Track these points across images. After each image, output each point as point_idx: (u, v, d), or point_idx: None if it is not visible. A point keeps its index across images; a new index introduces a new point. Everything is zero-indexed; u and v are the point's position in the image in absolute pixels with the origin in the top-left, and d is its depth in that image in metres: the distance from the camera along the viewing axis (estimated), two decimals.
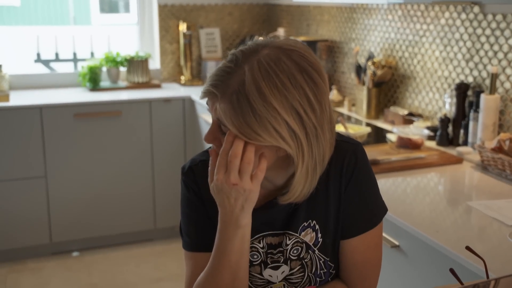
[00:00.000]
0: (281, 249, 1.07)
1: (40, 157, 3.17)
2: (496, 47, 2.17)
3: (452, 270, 0.91)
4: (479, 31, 2.25)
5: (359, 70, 2.86)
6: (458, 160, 2.09)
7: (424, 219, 1.59)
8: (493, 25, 2.18)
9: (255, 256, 1.08)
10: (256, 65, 0.91)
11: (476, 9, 2.25)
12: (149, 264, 3.23)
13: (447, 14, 2.41)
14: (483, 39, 2.23)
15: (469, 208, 1.68)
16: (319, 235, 1.07)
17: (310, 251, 1.07)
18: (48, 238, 3.28)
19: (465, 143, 2.23)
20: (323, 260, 1.08)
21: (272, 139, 0.92)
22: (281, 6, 3.83)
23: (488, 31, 2.21)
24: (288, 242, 1.07)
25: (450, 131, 2.30)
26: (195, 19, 3.85)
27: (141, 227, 3.47)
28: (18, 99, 3.23)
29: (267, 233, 1.08)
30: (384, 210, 1.13)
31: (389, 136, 2.42)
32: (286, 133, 0.92)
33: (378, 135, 2.53)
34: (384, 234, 1.64)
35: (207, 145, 3.33)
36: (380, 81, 2.76)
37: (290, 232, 1.07)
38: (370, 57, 2.81)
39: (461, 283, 0.89)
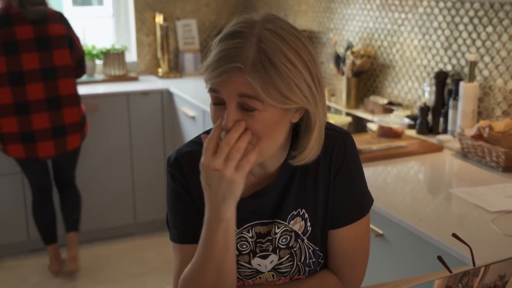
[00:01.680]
0: (269, 238, 1.06)
1: None
2: (474, 35, 2.19)
3: (440, 258, 0.91)
4: (457, 19, 2.26)
5: (338, 60, 2.86)
6: (439, 148, 2.10)
7: (407, 207, 1.59)
8: (471, 13, 2.19)
9: (244, 246, 1.07)
10: (266, 33, 0.91)
11: None
12: (130, 259, 3.20)
13: (425, 3, 2.41)
14: (461, 27, 2.24)
15: (450, 195, 1.68)
16: (308, 223, 1.06)
17: (299, 240, 1.06)
18: (25, 235, 3.22)
19: (445, 131, 2.24)
20: (312, 249, 1.07)
21: (298, 99, 0.92)
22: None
23: (466, 19, 2.21)
24: (276, 230, 1.06)
25: (430, 120, 2.32)
26: (171, 10, 3.80)
27: (121, 222, 3.43)
28: None
29: (256, 222, 1.06)
30: (371, 200, 1.13)
31: (370, 125, 2.43)
32: (305, 89, 0.93)
33: (359, 125, 2.53)
34: None
35: (187, 138, 3.30)
36: (359, 71, 2.76)
37: (279, 221, 1.06)
38: (349, 46, 2.80)
39: (450, 270, 0.89)
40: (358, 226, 1.08)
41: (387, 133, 2.20)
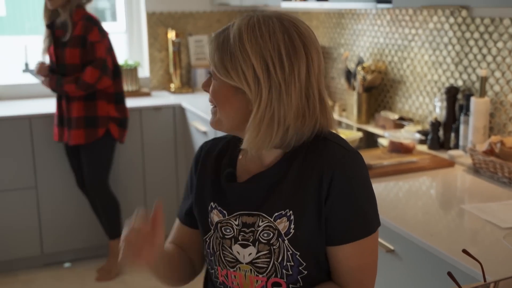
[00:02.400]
0: (253, 229, 1.10)
1: (30, 167, 3.14)
2: (484, 51, 2.19)
3: (450, 274, 0.91)
4: (467, 34, 2.27)
5: (349, 75, 2.87)
6: (450, 163, 2.10)
7: (418, 223, 1.59)
8: (481, 28, 2.19)
9: (228, 231, 1.12)
10: (245, 19, 1.06)
11: (464, 13, 2.27)
12: (142, 274, 3.20)
13: (435, 18, 2.42)
14: (471, 42, 2.25)
15: (462, 211, 1.68)
16: (292, 226, 1.07)
17: (280, 239, 1.08)
18: (39, 249, 3.25)
19: (456, 146, 2.24)
20: (291, 252, 1.07)
21: (238, 79, 1.04)
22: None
23: (476, 35, 2.22)
24: (260, 223, 1.09)
25: (441, 135, 2.32)
26: (183, 26, 3.85)
27: None
28: (6, 109, 3.21)
29: (243, 212, 1.11)
30: (377, 221, 1.12)
31: (381, 140, 2.43)
32: (250, 77, 1.03)
33: (370, 140, 2.54)
34: (378, 239, 1.64)
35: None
36: (370, 86, 2.77)
37: (264, 215, 1.09)
38: (360, 62, 2.82)
39: (460, 286, 0.89)
40: (363, 244, 1.08)
41: (398, 148, 2.20)
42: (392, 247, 1.61)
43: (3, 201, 3.13)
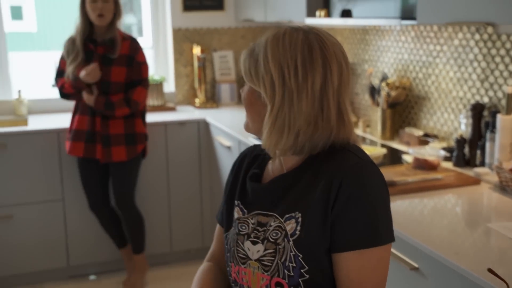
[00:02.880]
0: (265, 228, 1.15)
1: (57, 180, 3.20)
2: (511, 67, 2.18)
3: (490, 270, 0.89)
4: (493, 51, 2.25)
5: (373, 91, 2.87)
6: (476, 181, 2.08)
7: (443, 241, 1.58)
8: (508, 45, 2.18)
9: (244, 227, 1.18)
10: (275, 30, 1.13)
11: (490, 29, 2.26)
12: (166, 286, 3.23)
13: (460, 35, 2.42)
14: (497, 59, 2.24)
15: (488, 229, 1.66)
16: (298, 227, 1.10)
17: (286, 240, 1.11)
18: (65, 261, 3.30)
19: (482, 164, 2.22)
20: (294, 253, 1.09)
21: (258, 84, 1.12)
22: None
23: (502, 51, 2.21)
24: (272, 223, 1.14)
25: (467, 152, 2.30)
26: (208, 42, 3.90)
27: (157, 250, 3.47)
28: (36, 123, 3.28)
29: (260, 211, 1.17)
30: (388, 236, 1.10)
31: (405, 157, 2.42)
32: (268, 82, 1.10)
33: (394, 156, 2.53)
34: (403, 256, 1.64)
35: (223, 167, 3.34)
36: (394, 102, 2.77)
37: (276, 215, 1.14)
38: (384, 78, 2.82)
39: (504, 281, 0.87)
40: (366, 255, 1.07)
41: (422, 165, 2.19)
42: (416, 265, 1.60)
43: (31, 213, 3.19)
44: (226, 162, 3.20)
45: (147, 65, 3.00)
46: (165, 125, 3.38)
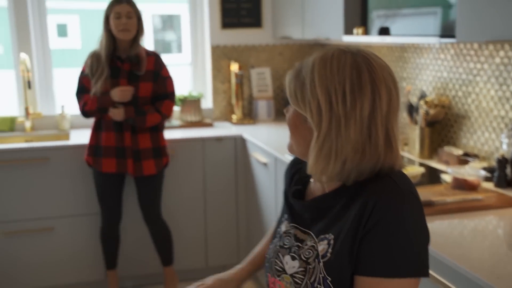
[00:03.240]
0: (301, 246, 1.16)
1: (94, 194, 3.25)
2: None
3: None
4: None
5: (411, 109, 2.84)
6: None
7: (484, 263, 1.55)
8: None
9: (287, 241, 1.20)
10: (322, 52, 1.11)
11: None
12: None
13: (502, 53, 2.38)
14: None
15: None
16: (330, 250, 1.09)
17: (316, 260, 1.11)
18: (103, 274, 3.35)
19: None
20: (323, 275, 1.09)
21: (304, 108, 1.09)
22: (331, 46, 3.86)
23: None
24: (308, 242, 1.14)
25: (509, 172, 2.24)
26: (246, 59, 3.94)
27: (192, 265, 3.50)
28: (77, 138, 3.36)
29: (299, 227, 1.19)
30: (417, 271, 1.05)
31: (444, 176, 2.38)
32: (314, 107, 1.07)
33: (432, 176, 2.49)
34: (441, 279, 1.61)
35: (259, 184, 3.34)
36: (433, 121, 2.73)
37: (312, 235, 1.14)
38: (422, 96, 2.79)
39: None
40: (384, 285, 1.04)
41: (462, 185, 2.15)
42: None
43: (71, 226, 3.26)
44: (262, 179, 3.21)
45: (172, 80, 3.08)
46: (202, 140, 3.42)
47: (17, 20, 3.57)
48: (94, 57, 2.95)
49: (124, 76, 2.96)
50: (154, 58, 3.02)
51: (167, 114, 3.04)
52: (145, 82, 2.98)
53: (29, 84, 3.43)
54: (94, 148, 3.03)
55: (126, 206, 3.26)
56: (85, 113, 3.01)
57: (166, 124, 3.67)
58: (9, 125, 3.53)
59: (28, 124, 3.55)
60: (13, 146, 3.20)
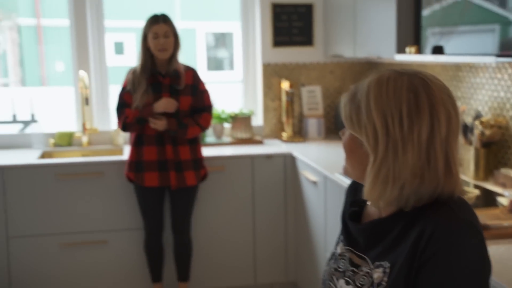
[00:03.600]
0: (356, 271, 1.13)
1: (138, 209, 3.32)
2: None
3: None
4: None
5: (466, 130, 2.78)
6: None
7: None
8: None
9: (342, 264, 1.18)
10: (378, 74, 1.09)
11: None
12: None
13: None
14: None
15: None
16: (385, 278, 1.07)
17: None
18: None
19: None
20: None
21: (359, 132, 1.07)
22: (383, 64, 3.84)
23: None
24: (363, 268, 1.12)
25: None
26: (297, 77, 3.95)
27: (241, 282, 3.50)
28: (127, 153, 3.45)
29: (355, 251, 1.17)
30: None
31: (500, 199, 2.31)
32: (370, 131, 1.05)
33: (487, 198, 2.42)
34: None
35: (308, 202, 3.33)
36: (489, 141, 2.66)
37: (368, 260, 1.11)
38: (478, 116, 2.72)
39: None
40: None
41: None
42: None
43: (125, 239, 3.33)
44: (312, 197, 3.20)
45: (208, 93, 3.19)
46: (252, 158, 3.45)
47: (77, 38, 3.71)
48: (135, 73, 3.05)
49: (166, 91, 3.06)
50: (192, 73, 3.14)
51: (206, 126, 3.14)
52: (185, 96, 3.08)
53: (86, 101, 3.56)
54: (135, 163, 3.09)
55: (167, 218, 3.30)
56: (126, 125, 3.07)
57: (216, 140, 3.73)
58: (68, 140, 3.66)
59: (84, 139, 3.68)
60: (70, 161, 3.32)
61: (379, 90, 1.06)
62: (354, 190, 1.27)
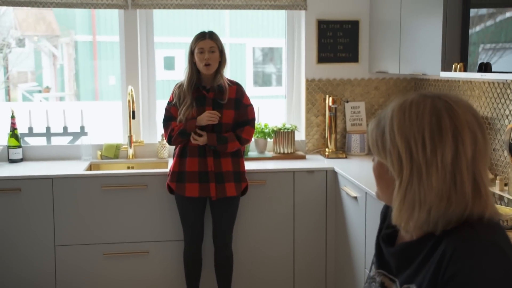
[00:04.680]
0: None
1: (178, 221, 3.36)
2: None
3: None
4: None
5: (510, 147, 2.70)
6: None
7: None
8: None
9: (373, 287, 1.19)
10: (401, 100, 1.10)
11: None
12: None
13: None
14: None
15: None
16: None
17: None
18: None
19: None
20: None
21: (385, 158, 1.09)
22: (428, 81, 3.78)
23: None
24: None
25: None
26: (341, 93, 3.94)
27: None
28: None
29: (386, 273, 1.16)
30: None
31: None
32: (395, 156, 1.06)
33: None
34: None
35: (348, 218, 3.30)
36: None
37: (398, 283, 1.11)
38: None
39: None
40: None
41: None
42: None
43: (166, 250, 3.39)
44: (352, 213, 3.17)
45: (252, 107, 3.23)
46: (293, 172, 3.45)
47: (127, 54, 3.83)
48: (181, 88, 3.14)
49: (209, 104, 3.12)
50: (236, 87, 3.19)
51: (248, 139, 3.18)
52: (228, 109, 3.13)
53: (133, 114, 3.66)
54: (177, 174, 3.16)
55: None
56: (171, 139, 3.14)
57: (259, 155, 3.75)
58: (114, 152, 3.77)
59: (130, 152, 3.78)
60: (116, 172, 3.41)
61: (402, 115, 1.06)
62: (388, 211, 1.25)
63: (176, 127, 3.13)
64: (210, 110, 3.11)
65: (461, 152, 1.03)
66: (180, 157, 3.17)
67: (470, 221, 1.05)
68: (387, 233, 1.20)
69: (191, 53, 3.13)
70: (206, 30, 3.15)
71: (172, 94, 3.21)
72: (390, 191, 1.11)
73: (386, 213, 1.27)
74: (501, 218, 1.12)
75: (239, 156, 3.21)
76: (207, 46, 3.07)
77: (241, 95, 3.19)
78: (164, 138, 3.27)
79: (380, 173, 1.13)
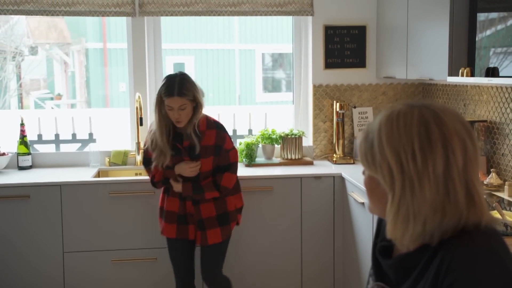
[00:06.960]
0: None
1: None
2: None
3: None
4: None
5: None
6: None
7: None
8: None
9: None
10: (388, 111, 1.08)
11: None
12: None
13: None
14: None
15: None
16: None
17: None
18: None
19: None
20: None
21: (375, 171, 1.06)
22: (436, 86, 3.76)
23: None
24: None
25: None
26: (348, 98, 3.93)
27: None
28: None
29: (383, 285, 1.16)
30: None
31: None
32: (385, 169, 1.04)
33: None
34: None
35: (356, 223, 3.28)
36: None
37: None
38: None
39: None
40: None
41: None
42: None
43: (164, 258, 3.36)
44: (360, 218, 3.15)
45: (235, 150, 2.95)
46: (300, 178, 3.44)
47: (135, 61, 3.86)
48: (154, 136, 2.87)
49: (186, 154, 2.87)
50: (216, 132, 2.89)
51: (227, 187, 2.90)
52: (206, 158, 2.87)
53: (141, 121, 3.68)
54: (161, 209, 3.05)
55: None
56: (154, 184, 3.00)
57: (266, 161, 3.75)
58: (122, 159, 3.79)
59: (138, 158, 3.79)
60: (124, 179, 3.42)
61: (390, 126, 1.04)
62: (382, 226, 1.24)
63: (157, 173, 2.94)
64: (187, 160, 2.87)
65: (452, 162, 1.01)
66: (163, 193, 3.04)
67: (467, 229, 1.04)
68: (383, 245, 1.19)
69: (160, 100, 2.81)
70: (175, 79, 2.80)
71: (146, 139, 2.98)
72: (382, 205, 1.09)
73: (379, 225, 1.25)
74: (497, 224, 1.09)
75: (225, 196, 2.95)
76: (176, 105, 2.76)
77: (222, 141, 2.88)
78: None
79: (372, 187, 1.10)
